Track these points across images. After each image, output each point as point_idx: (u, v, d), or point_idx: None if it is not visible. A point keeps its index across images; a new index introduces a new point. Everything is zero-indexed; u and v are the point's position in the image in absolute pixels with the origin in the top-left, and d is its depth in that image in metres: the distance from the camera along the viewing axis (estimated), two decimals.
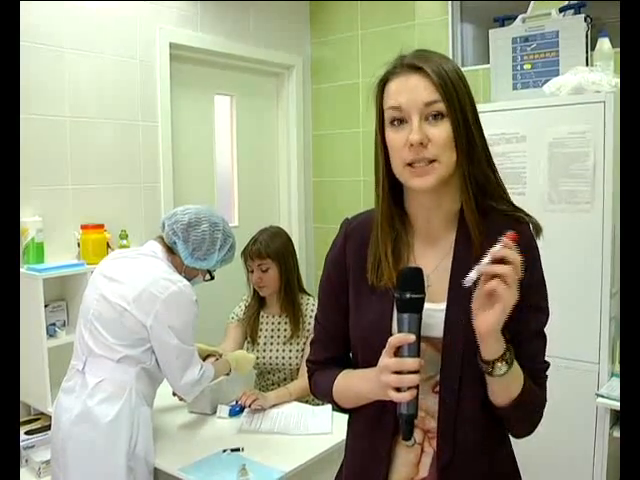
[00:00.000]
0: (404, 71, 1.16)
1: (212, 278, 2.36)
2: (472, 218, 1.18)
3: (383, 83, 1.19)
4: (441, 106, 1.12)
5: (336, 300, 1.31)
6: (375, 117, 1.21)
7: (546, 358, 1.28)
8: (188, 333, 2.09)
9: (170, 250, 2.20)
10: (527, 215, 1.24)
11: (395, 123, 1.15)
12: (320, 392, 1.38)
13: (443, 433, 1.17)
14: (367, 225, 1.28)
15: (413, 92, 1.13)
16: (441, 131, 1.12)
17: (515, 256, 1.02)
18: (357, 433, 1.32)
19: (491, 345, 1.09)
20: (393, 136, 1.16)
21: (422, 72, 1.14)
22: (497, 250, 1.02)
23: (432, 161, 1.12)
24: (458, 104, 1.13)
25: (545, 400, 1.27)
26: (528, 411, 1.22)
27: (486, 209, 1.20)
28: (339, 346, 1.33)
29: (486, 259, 1.03)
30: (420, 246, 1.24)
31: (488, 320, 1.05)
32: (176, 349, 2.05)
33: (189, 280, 2.17)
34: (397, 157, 1.15)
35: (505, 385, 1.14)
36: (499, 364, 1.10)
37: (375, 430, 1.24)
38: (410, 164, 1.13)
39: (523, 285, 1.18)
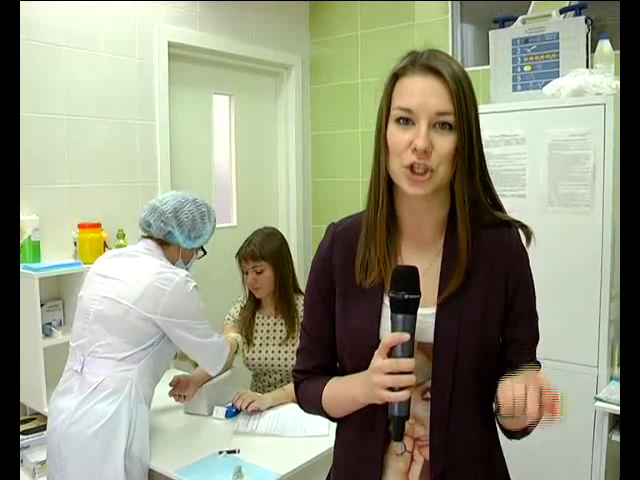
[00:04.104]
0: (420, 71, 1.12)
1: (205, 253, 2.40)
2: (464, 234, 1.16)
3: (395, 78, 1.16)
4: (451, 118, 1.10)
5: (323, 306, 1.28)
6: (380, 111, 1.18)
7: (545, 361, 1.28)
8: (199, 314, 2.13)
9: (161, 244, 2.21)
10: (518, 221, 1.23)
11: (401, 122, 1.12)
12: (308, 402, 1.33)
13: (435, 442, 1.15)
14: (354, 229, 1.26)
15: (426, 96, 1.10)
16: (447, 142, 1.10)
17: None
18: (347, 442, 1.28)
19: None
20: (397, 135, 1.12)
21: (439, 76, 1.10)
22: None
23: (430, 170, 1.10)
24: (466, 118, 1.11)
25: None
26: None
27: (475, 218, 1.18)
28: (327, 354, 1.30)
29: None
30: (408, 249, 1.23)
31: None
32: (190, 329, 2.10)
33: (186, 263, 2.26)
34: (397, 158, 1.12)
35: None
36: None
37: (365, 439, 1.21)
38: (409, 167, 1.10)
39: (512, 290, 1.19)
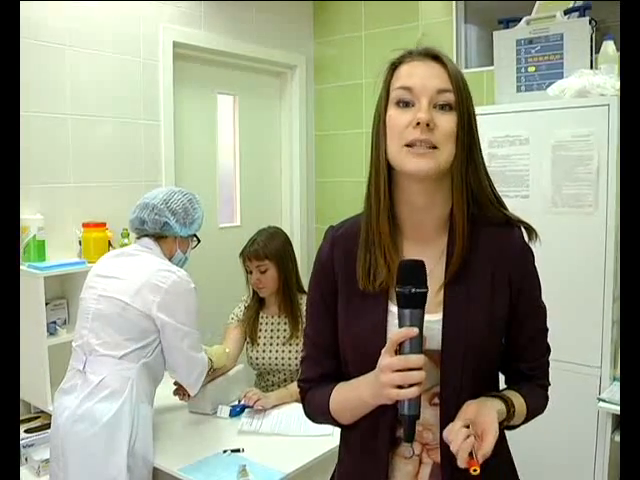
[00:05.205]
0: (419, 57, 1.14)
1: (199, 241, 2.42)
2: (460, 223, 1.14)
3: (394, 66, 1.16)
4: (451, 97, 1.10)
5: (326, 312, 1.25)
6: (379, 100, 1.17)
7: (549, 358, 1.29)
8: (192, 318, 2.14)
9: (157, 240, 2.24)
10: (520, 220, 1.21)
11: (401, 104, 1.11)
12: (316, 411, 1.29)
13: (446, 445, 1.12)
14: (353, 232, 1.24)
15: (426, 77, 1.11)
16: (448, 121, 1.09)
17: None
18: (352, 444, 1.25)
19: None
20: (397, 117, 1.11)
21: (437, 60, 1.12)
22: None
23: (434, 147, 1.08)
24: (466, 101, 1.12)
25: (548, 386, 1.29)
26: (531, 418, 1.24)
27: (477, 217, 1.17)
28: (332, 361, 1.25)
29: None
30: (410, 251, 1.19)
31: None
32: (181, 333, 2.10)
33: (184, 253, 2.30)
34: (397, 137, 1.10)
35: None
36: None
37: (372, 441, 1.19)
38: (409, 145, 1.09)
39: (516, 290, 1.18)
